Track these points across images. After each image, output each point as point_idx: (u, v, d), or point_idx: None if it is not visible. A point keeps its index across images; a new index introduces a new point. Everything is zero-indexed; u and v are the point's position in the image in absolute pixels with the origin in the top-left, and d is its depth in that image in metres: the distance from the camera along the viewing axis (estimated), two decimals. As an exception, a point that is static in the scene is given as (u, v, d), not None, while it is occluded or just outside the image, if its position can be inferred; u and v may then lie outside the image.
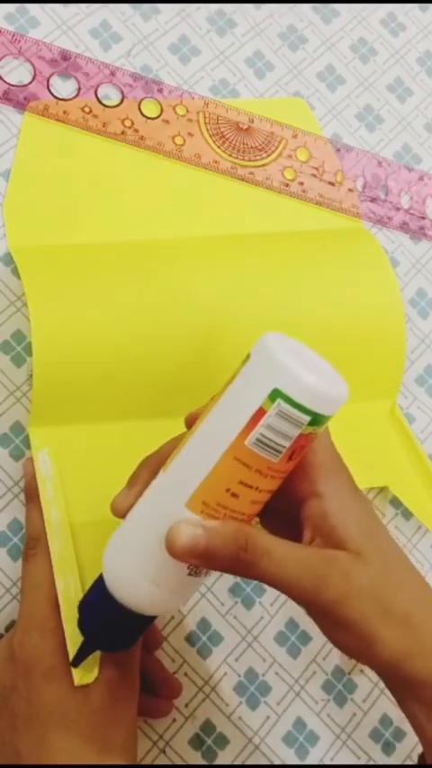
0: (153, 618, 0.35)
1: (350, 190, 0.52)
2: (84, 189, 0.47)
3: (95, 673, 0.36)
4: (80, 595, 0.37)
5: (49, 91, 0.47)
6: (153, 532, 0.32)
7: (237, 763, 0.42)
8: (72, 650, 0.36)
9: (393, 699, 0.44)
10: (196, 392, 0.37)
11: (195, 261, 0.45)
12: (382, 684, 0.45)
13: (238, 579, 0.44)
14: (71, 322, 0.42)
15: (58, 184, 0.46)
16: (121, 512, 0.34)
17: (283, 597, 0.44)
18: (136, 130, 0.48)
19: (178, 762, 0.41)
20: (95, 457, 0.42)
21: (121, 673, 0.36)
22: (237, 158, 0.50)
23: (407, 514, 0.48)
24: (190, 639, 0.43)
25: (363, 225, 0.52)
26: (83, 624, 0.35)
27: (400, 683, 0.34)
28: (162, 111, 0.49)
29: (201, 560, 0.31)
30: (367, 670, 0.45)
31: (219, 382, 0.35)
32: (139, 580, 0.33)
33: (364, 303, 0.47)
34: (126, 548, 0.33)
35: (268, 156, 0.50)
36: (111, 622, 0.34)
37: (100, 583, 0.34)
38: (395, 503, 0.48)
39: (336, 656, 0.45)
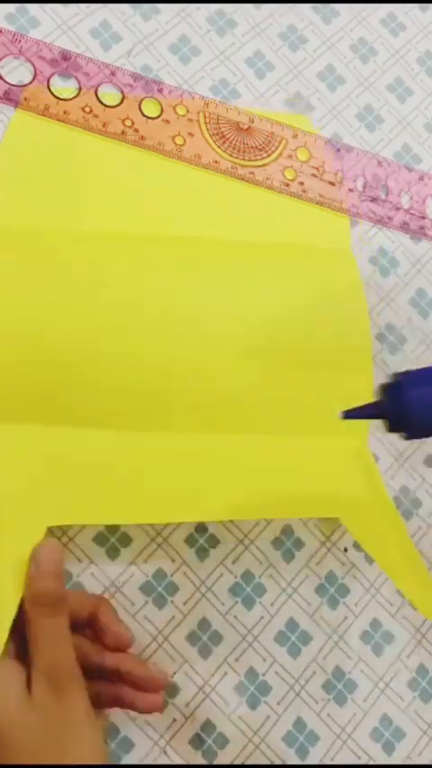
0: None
1: (350, 190, 0.52)
2: (57, 173, 0.46)
3: None
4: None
5: (50, 91, 0.47)
6: None
7: (237, 763, 0.42)
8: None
9: (394, 698, 0.45)
10: (132, 404, 0.38)
11: (161, 265, 0.45)
12: (382, 684, 0.45)
13: (239, 579, 0.44)
14: (8, 314, 0.41)
15: (35, 167, 0.46)
16: None
17: (284, 597, 0.44)
18: (136, 130, 0.48)
19: (178, 762, 0.41)
20: (19, 458, 0.41)
21: (53, 665, 0.36)
22: (237, 158, 0.50)
23: (407, 514, 0.48)
24: (190, 639, 0.43)
25: (362, 225, 0.52)
26: (392, 390, 0.35)
27: None
28: (162, 110, 0.49)
29: None
30: (367, 670, 0.45)
31: (161, 396, 0.34)
32: None
33: (333, 332, 0.46)
34: None
35: (268, 156, 0.50)
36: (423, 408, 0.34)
37: None
38: (396, 502, 0.48)
39: (336, 656, 0.45)
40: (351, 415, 0.36)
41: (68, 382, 0.41)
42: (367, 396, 0.39)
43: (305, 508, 0.43)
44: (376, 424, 0.47)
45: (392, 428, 0.35)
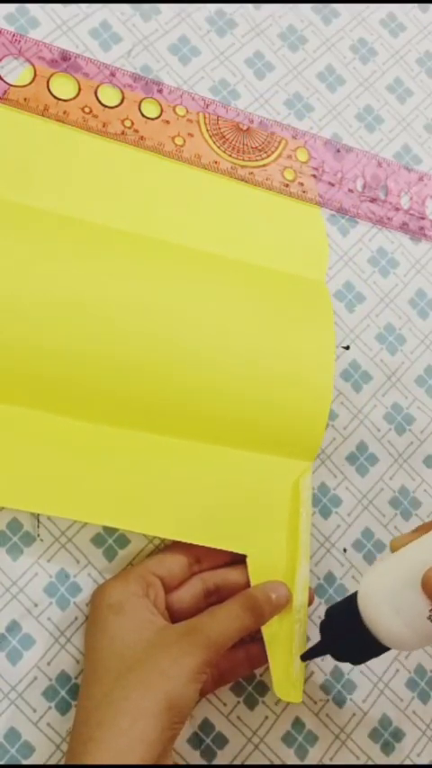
0: (385, 649, 0.38)
1: (350, 190, 0.52)
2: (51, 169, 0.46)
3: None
4: None
5: (49, 91, 0.47)
6: (412, 569, 0.36)
7: (236, 762, 0.42)
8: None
9: (393, 699, 0.45)
10: (89, 395, 0.40)
11: (142, 265, 0.44)
12: (381, 684, 0.45)
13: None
14: None
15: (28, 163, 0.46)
16: (395, 547, 0.39)
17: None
18: (136, 131, 0.48)
19: (178, 761, 0.41)
20: None
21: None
22: (237, 159, 0.50)
23: (406, 514, 0.48)
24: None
25: (362, 224, 0.52)
26: (325, 627, 0.40)
27: None
28: (162, 111, 0.49)
29: None
30: (366, 671, 0.45)
31: (116, 392, 0.38)
32: (385, 608, 0.37)
33: (297, 354, 0.45)
34: (384, 577, 0.38)
35: (268, 156, 0.50)
36: (349, 635, 0.38)
37: (353, 597, 0.38)
38: (394, 503, 0.48)
39: (335, 656, 0.45)
40: (307, 656, 0.41)
41: (17, 361, 0.41)
42: (317, 433, 0.45)
43: (216, 537, 0.42)
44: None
45: (338, 659, 0.40)
